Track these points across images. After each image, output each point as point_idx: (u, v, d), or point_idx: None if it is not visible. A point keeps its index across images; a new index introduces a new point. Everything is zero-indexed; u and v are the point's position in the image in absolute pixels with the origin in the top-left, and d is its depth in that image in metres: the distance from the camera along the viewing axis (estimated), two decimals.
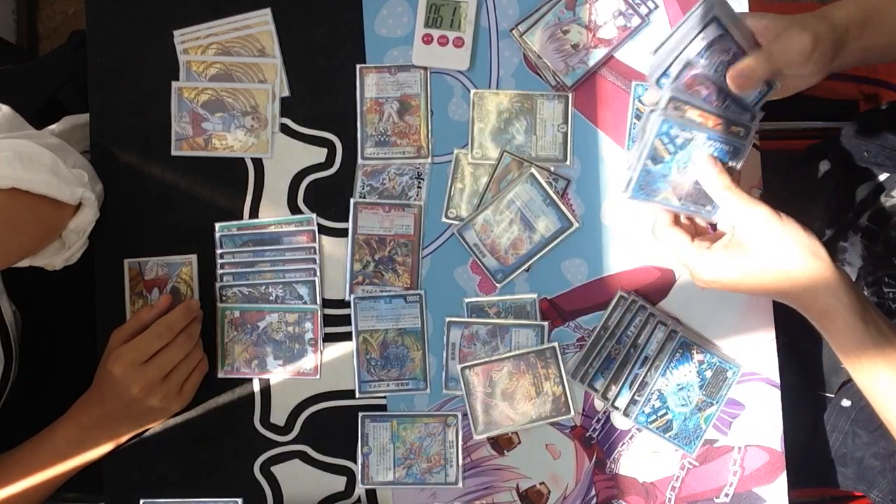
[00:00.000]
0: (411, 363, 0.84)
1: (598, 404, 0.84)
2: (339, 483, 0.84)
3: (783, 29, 0.68)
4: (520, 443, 0.84)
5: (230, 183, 0.85)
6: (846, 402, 0.91)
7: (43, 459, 0.78)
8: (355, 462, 0.84)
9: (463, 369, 0.83)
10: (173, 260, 0.84)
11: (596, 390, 0.83)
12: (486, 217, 0.84)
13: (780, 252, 0.67)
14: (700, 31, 0.67)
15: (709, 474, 0.84)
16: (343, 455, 0.84)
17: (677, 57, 0.68)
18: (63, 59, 1.00)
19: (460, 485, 0.83)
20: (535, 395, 0.83)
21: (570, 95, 0.84)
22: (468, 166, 0.84)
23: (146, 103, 0.85)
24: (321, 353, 0.84)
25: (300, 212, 0.85)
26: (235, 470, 0.84)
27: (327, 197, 0.85)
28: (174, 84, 0.85)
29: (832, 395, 0.94)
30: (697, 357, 0.83)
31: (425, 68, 0.84)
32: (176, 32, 0.85)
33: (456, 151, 0.85)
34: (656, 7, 0.84)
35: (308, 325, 0.84)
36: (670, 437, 0.83)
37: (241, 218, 0.84)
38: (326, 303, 0.84)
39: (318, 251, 0.84)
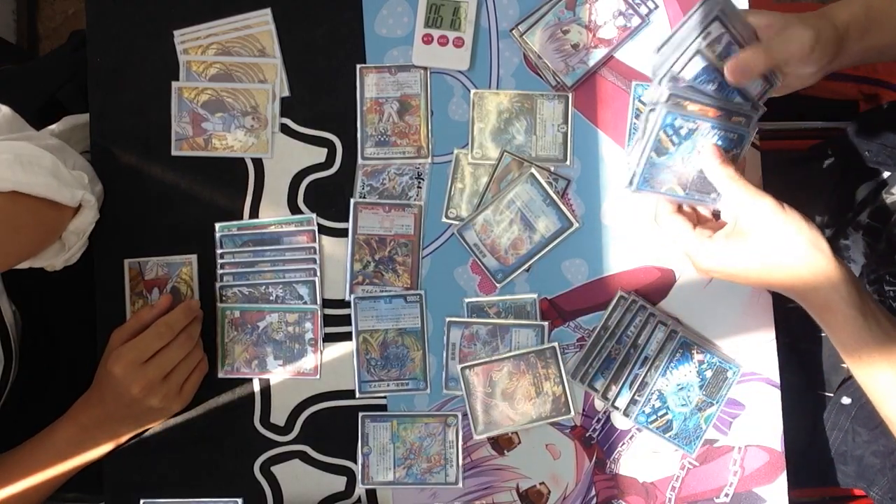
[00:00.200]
0: (411, 363, 0.84)
1: (598, 404, 0.84)
2: (339, 483, 0.84)
3: (785, 26, 0.68)
4: (520, 443, 0.84)
5: (230, 183, 0.85)
6: (846, 400, 0.91)
7: (43, 459, 0.78)
8: (355, 462, 0.84)
9: (463, 369, 0.83)
10: (173, 260, 0.84)
11: (596, 390, 0.83)
12: (486, 217, 0.84)
13: (782, 243, 0.66)
14: (703, 30, 0.67)
15: (709, 474, 0.84)
16: (343, 455, 0.84)
17: (680, 56, 0.68)
18: (63, 59, 1.00)
19: (460, 485, 0.84)
20: (535, 395, 0.83)
21: (570, 95, 0.84)
22: (468, 166, 0.84)
23: (146, 103, 0.85)
24: (321, 353, 0.84)
25: (300, 212, 0.85)
26: (235, 470, 0.84)
27: (327, 197, 0.85)
28: (174, 84, 0.85)
29: (832, 395, 0.94)
30: (697, 357, 0.83)
31: (425, 68, 0.84)
32: (176, 32, 0.85)
33: (456, 151, 0.85)
34: (656, 7, 0.84)
35: (308, 325, 0.84)
36: (670, 437, 0.83)
37: (241, 218, 0.84)
38: (326, 303, 0.84)
39: (318, 251, 0.84)
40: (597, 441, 0.84)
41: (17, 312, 0.85)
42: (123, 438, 0.82)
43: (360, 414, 0.84)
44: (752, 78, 0.68)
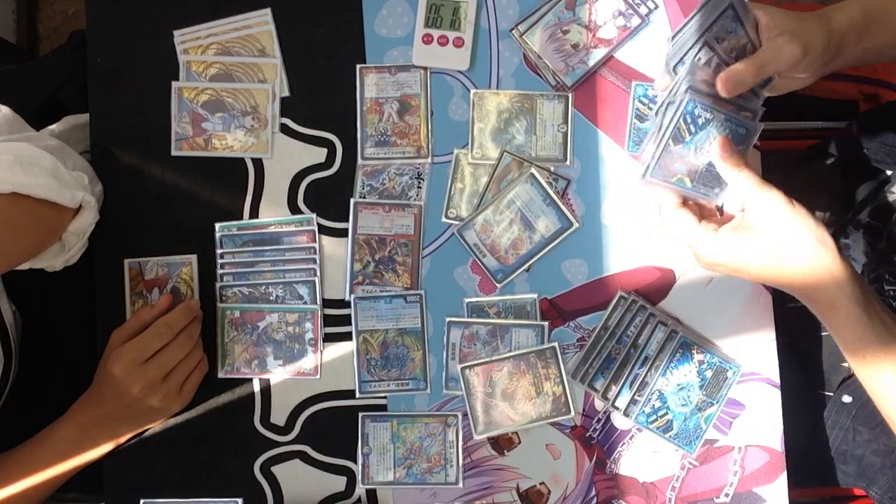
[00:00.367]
0: (411, 363, 0.84)
1: (599, 404, 0.84)
2: (339, 483, 0.84)
3: (780, 32, 0.69)
4: (520, 443, 0.84)
5: (230, 183, 0.85)
6: (847, 399, 0.91)
7: (43, 459, 0.78)
8: (355, 462, 0.84)
9: (463, 369, 0.83)
10: (173, 260, 0.84)
11: (596, 390, 0.83)
12: (486, 217, 0.84)
13: (789, 239, 0.66)
14: (716, 20, 0.68)
15: (709, 474, 0.84)
16: (343, 455, 0.84)
17: (693, 45, 0.69)
18: (63, 59, 1.00)
19: (460, 485, 0.84)
20: (535, 395, 0.83)
21: (570, 95, 0.84)
22: (468, 166, 0.84)
23: (146, 103, 0.85)
24: (321, 353, 0.84)
25: (300, 212, 0.85)
26: (235, 470, 0.84)
27: (327, 197, 0.85)
28: (174, 84, 0.85)
29: (832, 394, 0.94)
30: (697, 357, 0.83)
31: (425, 68, 0.84)
32: (176, 32, 0.85)
33: (456, 151, 0.85)
34: (656, 7, 0.84)
35: (308, 325, 0.84)
36: (670, 437, 0.83)
37: (241, 218, 0.84)
38: (326, 303, 0.84)
39: (318, 251, 0.84)
40: (597, 441, 0.84)
41: (17, 312, 0.85)
42: (123, 438, 0.82)
43: (360, 414, 0.84)
44: (744, 90, 0.69)
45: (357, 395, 0.84)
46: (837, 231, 0.97)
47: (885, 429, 0.71)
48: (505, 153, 0.84)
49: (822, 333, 0.94)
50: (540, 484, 0.84)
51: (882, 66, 1.07)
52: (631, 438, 0.84)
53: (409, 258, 0.84)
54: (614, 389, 0.83)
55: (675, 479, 0.84)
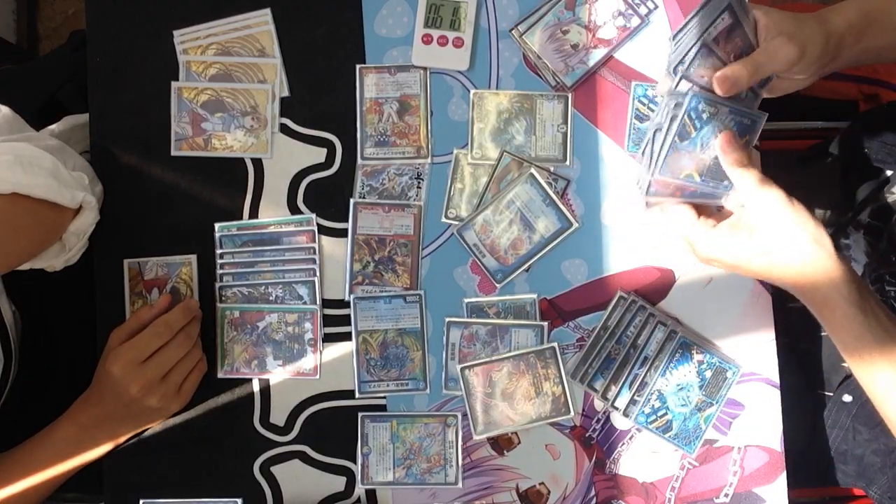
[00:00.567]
0: (411, 363, 0.84)
1: (598, 404, 0.84)
2: (338, 483, 0.84)
3: (777, 33, 0.69)
4: (519, 443, 0.84)
5: (230, 183, 0.85)
6: (847, 398, 0.91)
7: (42, 459, 0.78)
8: (355, 462, 0.84)
9: (463, 369, 0.83)
10: (173, 260, 0.84)
11: (596, 390, 0.83)
12: (486, 217, 0.84)
13: (787, 238, 0.66)
14: (714, 20, 0.68)
15: (709, 474, 0.84)
16: (343, 455, 0.84)
17: (693, 46, 0.69)
18: (63, 59, 1.00)
19: (460, 485, 0.83)
20: (535, 395, 0.83)
21: (569, 95, 0.84)
22: (468, 166, 0.84)
23: (146, 103, 0.85)
24: (321, 353, 0.84)
25: (300, 212, 0.85)
26: (235, 470, 0.84)
27: (327, 197, 0.85)
28: (174, 84, 0.85)
29: (831, 394, 0.94)
30: (697, 357, 0.83)
31: (425, 68, 0.84)
32: (176, 32, 0.85)
33: (456, 151, 0.85)
34: (656, 7, 0.84)
35: (308, 325, 0.84)
36: (670, 437, 0.83)
37: (240, 218, 0.85)
38: (326, 303, 0.84)
39: (317, 251, 0.84)
40: (596, 441, 0.84)
41: (17, 312, 0.85)
42: (122, 438, 0.82)
43: (360, 414, 0.84)
44: (740, 90, 0.69)
45: (356, 395, 0.84)
46: (837, 231, 0.97)
47: (885, 428, 0.71)
48: (505, 153, 0.84)
49: (822, 333, 0.94)
50: (539, 484, 0.84)
51: (882, 66, 1.07)
52: (630, 438, 0.84)
53: (408, 258, 0.84)
54: (614, 389, 0.83)
55: (675, 479, 0.84)
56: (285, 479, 0.84)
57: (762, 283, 0.84)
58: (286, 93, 0.85)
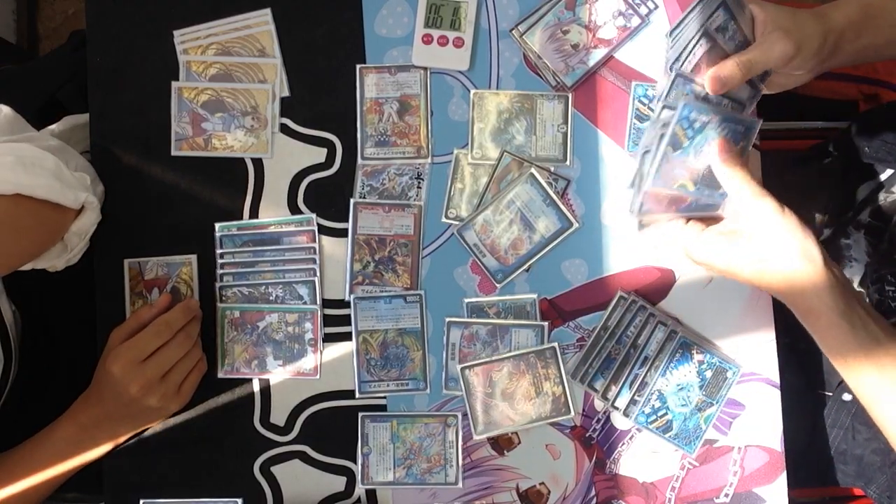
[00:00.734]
0: (411, 363, 0.84)
1: (598, 404, 0.84)
2: (339, 483, 0.84)
3: (773, 28, 0.69)
4: (520, 443, 0.84)
5: (230, 183, 0.85)
6: (847, 397, 0.91)
7: (42, 459, 0.78)
8: (355, 462, 0.84)
9: (463, 369, 0.83)
10: (173, 260, 0.84)
11: (596, 390, 0.83)
12: (486, 217, 0.84)
13: (776, 248, 0.67)
14: (709, 17, 0.68)
15: (709, 474, 0.84)
16: (343, 455, 0.84)
17: (689, 43, 0.69)
18: (63, 59, 1.00)
19: (460, 485, 0.84)
20: (535, 395, 0.83)
21: (570, 95, 0.84)
22: (468, 166, 0.84)
23: (146, 103, 0.85)
24: (321, 353, 0.84)
25: (300, 212, 0.85)
26: (235, 470, 0.84)
27: (327, 197, 0.85)
28: (174, 84, 0.85)
29: (831, 394, 0.94)
30: (697, 357, 0.83)
31: (425, 68, 0.84)
32: (176, 32, 0.85)
33: (456, 151, 0.85)
34: (656, 7, 0.84)
35: (308, 325, 0.84)
36: (670, 437, 0.83)
37: (241, 218, 0.84)
38: (326, 303, 0.84)
39: (318, 251, 0.84)
40: (597, 441, 0.84)
41: (17, 312, 0.85)
42: (122, 438, 0.81)
43: (360, 414, 0.84)
44: (733, 87, 0.69)
45: (357, 395, 0.84)
46: (838, 231, 0.97)
47: None
48: (505, 153, 0.84)
49: None
50: (540, 484, 0.84)
51: (882, 66, 1.07)
52: (631, 438, 0.84)
53: (408, 258, 0.84)
54: (614, 389, 0.83)
55: (675, 479, 0.84)
56: (285, 479, 0.84)
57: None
58: (286, 93, 0.85)
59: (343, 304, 0.84)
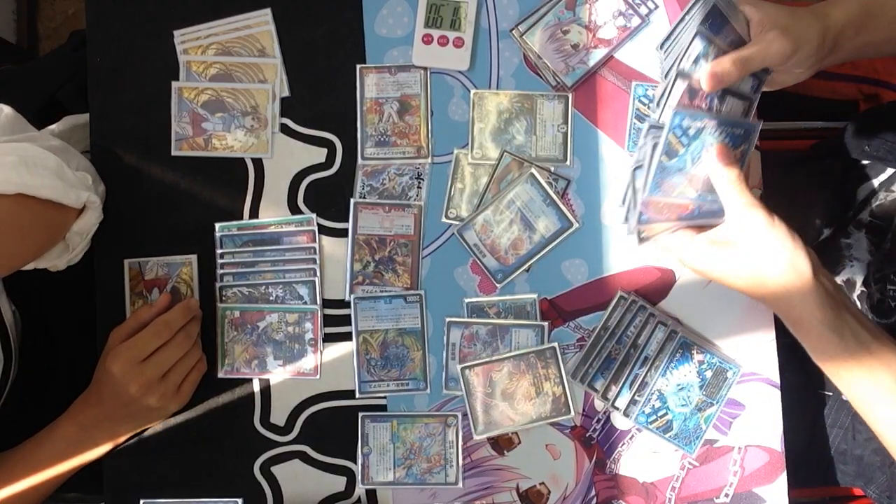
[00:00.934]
0: (411, 363, 0.84)
1: (598, 404, 0.84)
2: (339, 483, 0.84)
3: (771, 27, 0.68)
4: (520, 443, 0.84)
5: (230, 183, 0.85)
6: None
7: (42, 459, 0.78)
8: (355, 462, 0.84)
9: (463, 369, 0.83)
10: (173, 260, 0.84)
11: (596, 390, 0.83)
12: (486, 217, 0.84)
13: (763, 260, 0.68)
14: (703, 20, 0.68)
15: (709, 474, 0.84)
16: (343, 455, 0.84)
17: (681, 53, 0.68)
18: (63, 59, 1.00)
19: (460, 485, 0.83)
20: (535, 395, 0.83)
21: (570, 95, 0.84)
22: (468, 166, 0.84)
23: (146, 103, 0.85)
24: (321, 353, 0.84)
25: (300, 212, 0.85)
26: (235, 470, 0.84)
27: (327, 197, 0.85)
28: (174, 84, 0.85)
29: (831, 394, 0.94)
30: (697, 357, 0.83)
31: (425, 68, 0.84)
32: (176, 32, 0.85)
33: (456, 151, 0.85)
34: (656, 7, 0.84)
35: (308, 325, 0.84)
36: (670, 437, 0.83)
37: (241, 218, 0.84)
38: (326, 303, 0.84)
39: (318, 251, 0.84)
40: (597, 441, 0.84)
41: (17, 312, 0.85)
42: (122, 438, 0.81)
43: (360, 414, 0.84)
44: (729, 84, 0.69)
45: (357, 395, 0.84)
46: (838, 230, 0.97)
47: None
48: (505, 153, 0.84)
49: None
50: (540, 484, 0.84)
51: (882, 66, 1.07)
52: (631, 438, 0.84)
53: (409, 258, 0.84)
54: (614, 389, 0.83)
55: (675, 479, 0.84)
56: (285, 479, 0.84)
57: None
58: (286, 93, 0.85)
59: (343, 304, 0.84)
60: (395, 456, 0.84)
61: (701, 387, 0.83)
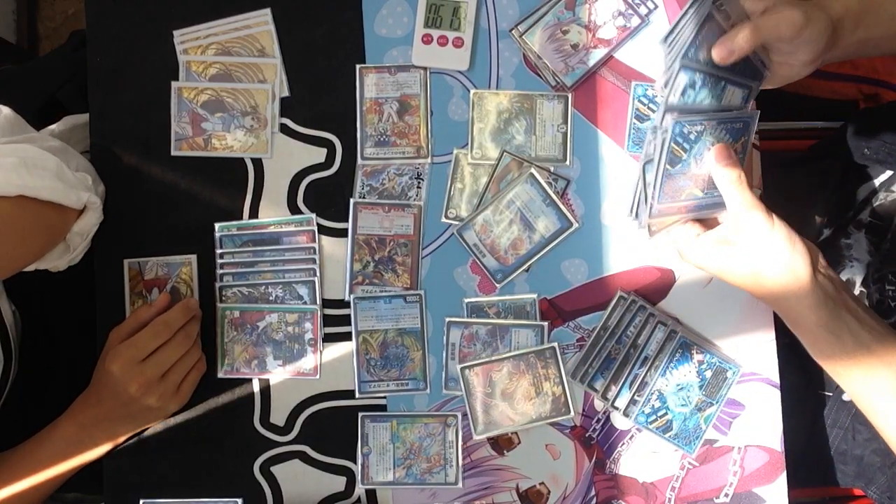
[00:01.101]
0: (411, 363, 0.84)
1: (598, 404, 0.84)
2: (338, 483, 0.84)
3: (775, 5, 0.68)
4: (520, 443, 0.84)
5: (230, 183, 0.85)
6: (847, 397, 0.91)
7: (42, 459, 0.78)
8: (355, 462, 0.84)
9: (463, 369, 0.83)
10: (173, 260, 0.84)
11: (596, 390, 0.83)
12: (486, 217, 0.84)
13: (762, 260, 0.69)
14: (704, 18, 0.68)
15: (709, 474, 0.84)
16: (343, 455, 0.84)
17: (679, 54, 0.69)
18: (63, 59, 1.00)
19: (460, 485, 0.83)
20: (535, 395, 0.83)
21: (569, 95, 0.84)
22: (468, 166, 0.84)
23: (146, 103, 0.85)
24: (321, 353, 0.84)
25: (300, 212, 0.85)
26: (235, 470, 0.84)
27: (327, 197, 0.85)
28: (174, 84, 0.85)
29: (831, 394, 0.94)
30: (697, 357, 0.83)
31: (425, 68, 0.84)
32: (176, 32, 0.85)
33: (456, 151, 0.85)
34: (656, 7, 0.84)
35: (308, 325, 0.84)
36: (670, 437, 0.83)
37: (240, 218, 0.84)
38: (326, 303, 0.84)
39: (317, 251, 0.84)
40: (596, 441, 0.84)
41: (17, 312, 0.85)
42: (121, 438, 0.81)
43: (360, 414, 0.84)
44: (738, 57, 0.68)
45: (357, 395, 0.84)
46: (838, 230, 0.97)
47: None
48: (505, 153, 0.84)
49: None
50: (539, 484, 0.84)
51: (882, 66, 1.07)
52: (631, 438, 0.84)
53: (408, 258, 0.84)
54: (614, 389, 0.83)
55: (675, 479, 0.84)
56: (285, 479, 0.84)
57: None
58: (286, 93, 0.85)
59: (343, 304, 0.84)
60: (394, 456, 0.84)
61: (701, 387, 0.83)
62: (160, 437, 0.84)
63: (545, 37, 0.84)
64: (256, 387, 0.84)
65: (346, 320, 0.84)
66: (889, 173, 0.94)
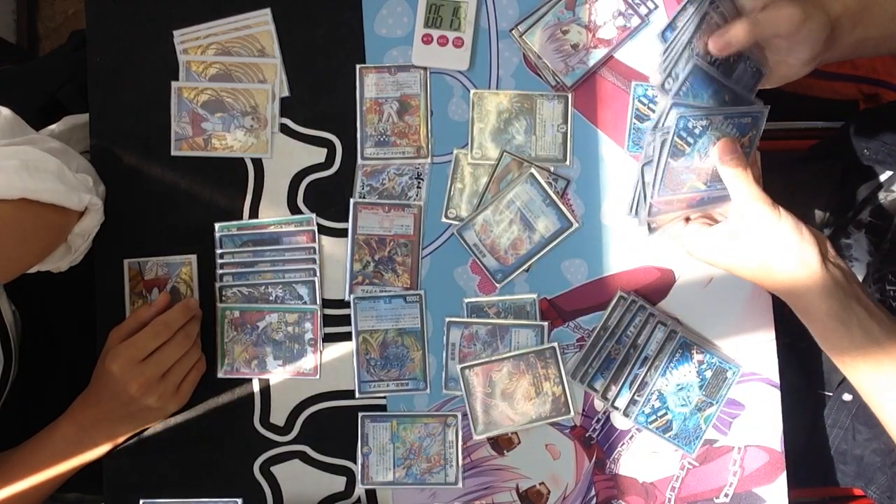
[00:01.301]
0: (411, 363, 0.84)
1: (598, 404, 0.84)
2: (338, 483, 0.84)
3: (773, 2, 0.68)
4: (520, 443, 0.84)
5: (230, 183, 0.85)
6: (847, 397, 0.91)
7: (42, 459, 0.78)
8: (355, 462, 0.84)
9: (463, 369, 0.83)
10: (173, 260, 0.84)
11: (596, 390, 0.83)
12: (486, 217, 0.84)
13: (771, 252, 0.68)
14: (701, 18, 0.68)
15: (709, 474, 0.84)
16: (343, 455, 0.84)
17: (677, 55, 0.69)
18: (63, 59, 1.00)
19: (460, 485, 0.83)
20: (535, 395, 0.83)
21: (569, 95, 0.84)
22: (468, 166, 0.84)
23: (146, 103, 0.85)
24: (321, 353, 0.84)
25: (300, 212, 0.85)
26: (235, 470, 0.84)
27: (327, 197, 0.85)
28: (174, 84, 0.85)
29: (831, 394, 0.94)
30: (697, 357, 0.83)
31: (425, 68, 0.84)
32: (176, 32, 0.85)
33: (456, 151, 0.85)
34: (656, 7, 0.84)
35: (308, 325, 0.84)
36: (670, 437, 0.83)
37: (240, 218, 0.84)
38: (326, 303, 0.84)
39: (317, 251, 0.84)
40: (596, 441, 0.84)
41: (17, 312, 0.85)
42: (121, 438, 0.81)
43: (360, 414, 0.84)
44: (735, 49, 0.68)
45: (357, 395, 0.84)
46: (838, 230, 0.97)
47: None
48: (505, 153, 0.84)
49: None
50: (539, 484, 0.84)
51: (882, 66, 1.07)
52: (630, 438, 0.84)
53: (408, 258, 0.84)
54: (614, 389, 0.83)
55: (675, 479, 0.84)
56: (285, 479, 0.84)
57: None
58: (286, 93, 0.85)
59: (343, 304, 0.84)
60: (394, 456, 0.84)
61: (701, 387, 0.83)
62: (160, 437, 0.84)
63: (545, 37, 0.84)
64: (256, 387, 0.84)
65: (346, 320, 0.84)
66: (889, 173, 0.94)
